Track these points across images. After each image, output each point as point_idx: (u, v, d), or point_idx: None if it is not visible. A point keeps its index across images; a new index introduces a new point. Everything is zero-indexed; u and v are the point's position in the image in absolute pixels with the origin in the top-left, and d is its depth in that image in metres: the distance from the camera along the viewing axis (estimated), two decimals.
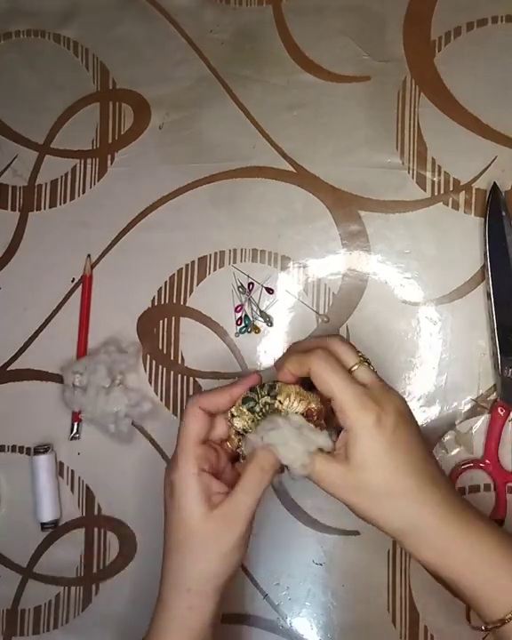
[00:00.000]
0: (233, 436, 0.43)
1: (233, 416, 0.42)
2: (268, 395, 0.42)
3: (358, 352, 0.41)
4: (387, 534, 0.39)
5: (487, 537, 0.38)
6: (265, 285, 0.55)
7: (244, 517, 0.40)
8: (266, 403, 0.42)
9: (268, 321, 0.55)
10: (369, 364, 0.41)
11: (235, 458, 0.44)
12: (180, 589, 0.41)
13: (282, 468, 0.41)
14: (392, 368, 0.53)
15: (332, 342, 0.41)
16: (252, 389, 0.42)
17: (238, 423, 0.42)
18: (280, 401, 0.41)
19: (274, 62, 0.56)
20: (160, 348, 0.56)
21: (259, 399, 0.42)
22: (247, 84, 0.56)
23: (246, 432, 0.42)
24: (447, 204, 0.54)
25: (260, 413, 0.42)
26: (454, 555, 0.38)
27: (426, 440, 0.40)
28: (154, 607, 0.42)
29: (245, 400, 0.42)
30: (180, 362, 0.56)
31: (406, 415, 0.40)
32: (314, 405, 0.41)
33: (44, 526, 0.55)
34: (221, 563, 0.40)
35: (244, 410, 0.42)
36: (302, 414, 0.41)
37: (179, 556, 0.41)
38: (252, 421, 0.42)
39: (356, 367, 0.40)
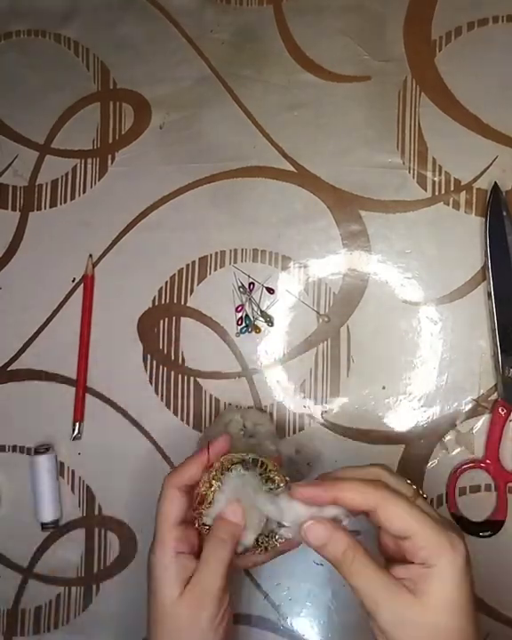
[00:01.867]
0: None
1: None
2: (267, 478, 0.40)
3: (407, 480, 0.39)
4: None
5: None
6: (265, 285, 0.55)
7: (211, 593, 0.38)
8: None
9: (269, 321, 0.55)
10: (422, 493, 0.38)
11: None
12: None
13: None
14: (393, 368, 0.53)
15: (384, 474, 0.37)
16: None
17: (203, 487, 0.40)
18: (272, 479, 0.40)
19: (274, 62, 0.56)
20: (160, 347, 0.56)
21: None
22: (248, 83, 0.56)
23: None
24: (448, 204, 0.54)
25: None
26: None
27: None
28: None
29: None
30: (180, 362, 0.56)
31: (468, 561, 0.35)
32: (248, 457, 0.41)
33: (44, 526, 0.55)
34: None
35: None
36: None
37: (158, 638, 0.40)
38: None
39: (417, 500, 0.36)
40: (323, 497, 0.36)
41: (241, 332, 0.55)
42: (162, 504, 0.40)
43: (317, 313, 0.55)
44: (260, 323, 0.55)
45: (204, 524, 0.40)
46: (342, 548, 0.36)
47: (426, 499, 0.38)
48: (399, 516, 0.35)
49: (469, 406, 0.53)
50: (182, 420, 0.55)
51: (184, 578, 0.39)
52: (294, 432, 0.54)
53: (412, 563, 0.35)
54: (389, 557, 0.38)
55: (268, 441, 0.49)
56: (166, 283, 0.56)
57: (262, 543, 0.40)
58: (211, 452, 0.41)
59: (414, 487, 0.38)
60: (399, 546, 0.36)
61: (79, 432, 0.56)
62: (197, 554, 0.40)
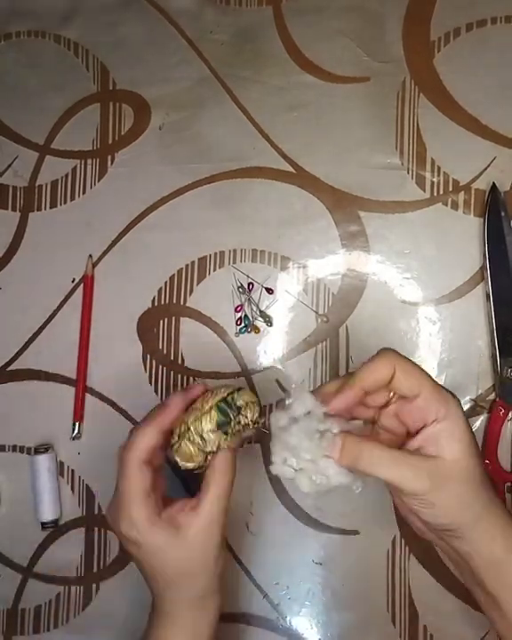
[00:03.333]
0: (195, 453, 0.41)
1: (203, 439, 0.40)
2: (239, 413, 0.41)
3: None
4: (443, 529, 0.38)
5: None
6: (265, 285, 0.55)
7: (220, 520, 0.41)
8: (239, 422, 0.41)
9: (268, 321, 0.55)
10: None
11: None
12: (190, 602, 0.42)
13: None
14: None
15: (391, 352, 0.39)
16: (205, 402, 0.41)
17: (212, 440, 0.41)
18: (245, 415, 0.41)
19: (274, 63, 0.56)
20: (160, 347, 0.56)
21: (232, 420, 0.41)
22: (247, 84, 0.57)
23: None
24: (446, 205, 0.54)
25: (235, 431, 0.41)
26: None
27: None
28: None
29: (220, 421, 0.41)
30: (180, 362, 0.56)
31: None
32: (217, 398, 0.41)
33: (44, 526, 0.55)
34: (212, 564, 0.41)
35: (212, 428, 0.40)
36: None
37: (170, 578, 0.42)
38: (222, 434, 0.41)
39: None
40: (351, 396, 0.38)
41: (240, 332, 0.55)
42: (122, 480, 0.40)
43: (316, 313, 0.55)
44: (260, 323, 0.55)
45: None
46: (357, 450, 0.37)
47: None
48: (411, 374, 0.38)
49: (468, 406, 0.53)
50: None
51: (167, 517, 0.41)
52: None
53: (423, 428, 0.37)
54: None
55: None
56: (166, 283, 0.56)
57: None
58: (169, 419, 0.41)
59: None
60: (411, 410, 0.38)
61: (79, 432, 0.56)
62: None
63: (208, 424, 0.40)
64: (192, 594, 0.42)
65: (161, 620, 0.43)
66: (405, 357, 0.38)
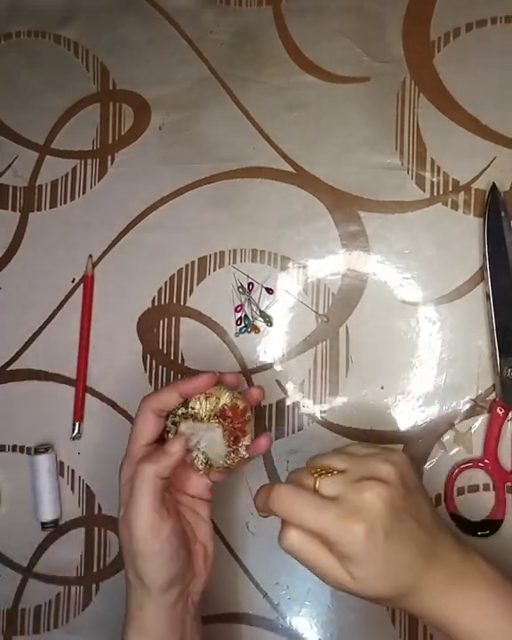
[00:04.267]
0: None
1: (173, 423, 0.44)
2: (183, 405, 0.43)
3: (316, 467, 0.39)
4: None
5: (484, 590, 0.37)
6: (265, 285, 0.55)
7: (139, 516, 0.41)
8: (182, 412, 0.43)
9: (268, 321, 0.55)
10: (323, 472, 0.38)
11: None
12: (128, 588, 0.43)
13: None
14: (391, 368, 0.53)
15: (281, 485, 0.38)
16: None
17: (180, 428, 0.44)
18: (192, 407, 0.43)
19: (274, 63, 0.56)
20: (160, 347, 0.56)
21: (176, 410, 0.43)
22: (247, 84, 0.57)
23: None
24: (446, 205, 0.54)
25: (176, 422, 0.44)
26: (453, 608, 0.37)
27: (423, 491, 0.39)
28: None
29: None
30: (180, 362, 0.56)
31: (394, 498, 0.36)
32: (227, 401, 0.43)
33: (44, 526, 0.55)
34: (144, 563, 0.41)
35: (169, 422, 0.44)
36: (217, 415, 0.43)
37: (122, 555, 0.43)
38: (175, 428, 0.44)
39: (317, 484, 0.37)
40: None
41: (240, 332, 0.55)
42: (134, 424, 0.44)
43: (316, 313, 0.55)
44: (259, 323, 0.55)
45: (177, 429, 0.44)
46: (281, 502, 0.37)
47: (329, 473, 0.38)
48: (295, 517, 0.36)
49: (468, 406, 0.53)
50: None
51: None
52: (293, 432, 0.54)
53: None
54: None
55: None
56: (166, 283, 0.56)
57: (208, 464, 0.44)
58: (190, 389, 0.43)
59: (318, 470, 0.38)
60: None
61: (79, 432, 0.56)
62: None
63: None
64: (140, 579, 0.42)
65: (128, 617, 0.43)
66: (289, 491, 0.37)
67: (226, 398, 0.43)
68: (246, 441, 0.43)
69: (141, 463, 0.41)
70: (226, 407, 0.43)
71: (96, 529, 0.56)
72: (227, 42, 0.57)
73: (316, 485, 0.37)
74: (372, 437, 0.53)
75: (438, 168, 0.54)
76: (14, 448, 0.57)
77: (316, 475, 0.37)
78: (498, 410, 0.51)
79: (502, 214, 0.52)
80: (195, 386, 0.43)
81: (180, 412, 0.43)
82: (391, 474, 0.37)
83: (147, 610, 0.42)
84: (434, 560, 0.37)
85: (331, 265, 0.55)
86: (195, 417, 0.43)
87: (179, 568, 0.42)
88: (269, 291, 0.55)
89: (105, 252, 0.57)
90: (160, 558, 0.41)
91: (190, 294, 0.56)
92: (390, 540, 0.35)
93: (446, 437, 0.53)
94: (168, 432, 0.44)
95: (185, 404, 0.43)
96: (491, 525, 0.51)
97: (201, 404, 0.43)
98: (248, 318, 0.55)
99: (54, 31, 0.59)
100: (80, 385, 0.56)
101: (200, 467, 0.44)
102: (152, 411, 0.43)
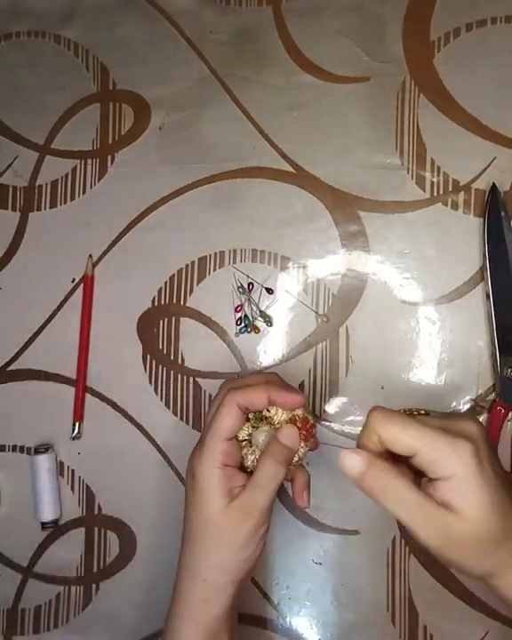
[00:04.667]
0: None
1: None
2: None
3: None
4: (468, 576, 0.37)
5: None
6: (265, 285, 0.55)
7: (257, 510, 0.41)
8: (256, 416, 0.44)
9: (268, 321, 0.55)
10: (423, 411, 0.40)
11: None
12: (195, 580, 0.42)
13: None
14: (391, 368, 0.54)
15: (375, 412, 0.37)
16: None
17: (242, 433, 0.44)
18: (268, 409, 0.43)
19: (274, 63, 0.56)
20: (160, 347, 0.56)
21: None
22: (247, 84, 0.57)
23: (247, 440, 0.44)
24: (446, 205, 0.54)
25: (255, 422, 0.44)
26: None
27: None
28: (170, 597, 0.44)
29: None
30: (180, 362, 0.56)
31: (486, 437, 0.36)
32: (299, 413, 0.44)
33: (44, 526, 0.55)
34: (236, 555, 0.41)
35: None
36: (289, 420, 0.43)
37: (196, 546, 0.42)
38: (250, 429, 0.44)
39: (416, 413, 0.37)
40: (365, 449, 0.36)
41: (240, 332, 0.55)
42: (219, 415, 0.42)
43: (316, 313, 0.55)
44: (259, 323, 0.55)
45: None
46: (384, 481, 0.35)
47: (424, 413, 0.38)
48: (395, 437, 0.35)
49: (468, 406, 0.53)
50: (182, 419, 0.55)
51: (228, 488, 0.41)
52: None
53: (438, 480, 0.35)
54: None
55: None
56: (166, 283, 0.56)
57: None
58: (283, 394, 0.42)
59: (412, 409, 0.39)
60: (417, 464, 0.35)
61: (79, 432, 0.56)
62: (240, 468, 0.43)
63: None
64: (203, 566, 0.42)
65: (173, 596, 0.43)
66: (386, 414, 0.35)
67: (300, 410, 0.44)
68: (304, 449, 0.44)
69: (269, 460, 0.41)
70: (297, 417, 0.44)
71: (96, 529, 0.56)
72: (227, 42, 0.57)
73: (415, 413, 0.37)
74: None
75: (438, 168, 0.54)
76: (14, 448, 0.57)
77: (409, 413, 0.37)
78: (498, 410, 0.51)
79: (502, 214, 0.52)
80: (292, 401, 0.42)
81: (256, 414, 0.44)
82: (480, 431, 0.36)
83: (213, 602, 0.42)
84: None
85: (331, 265, 0.55)
86: (269, 421, 0.44)
87: (254, 561, 0.43)
88: (269, 291, 0.55)
89: (105, 252, 0.57)
90: (249, 552, 0.41)
91: (190, 294, 0.56)
92: (492, 471, 0.34)
93: None
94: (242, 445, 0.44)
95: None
96: None
97: (278, 411, 0.43)
98: (248, 318, 0.55)
99: (54, 31, 0.59)
100: (80, 385, 0.56)
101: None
102: (239, 405, 0.42)
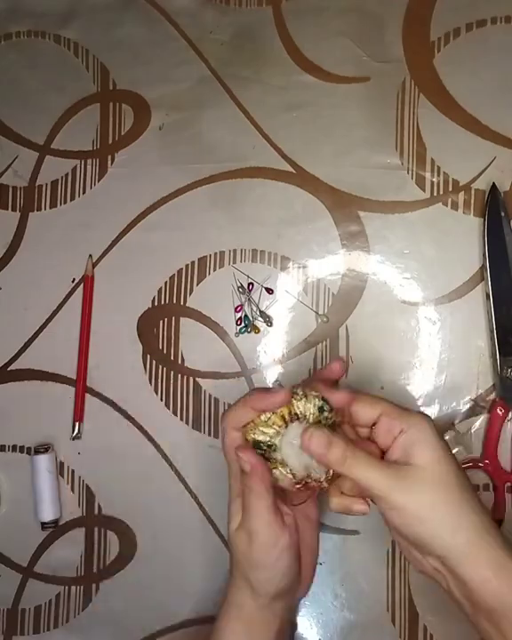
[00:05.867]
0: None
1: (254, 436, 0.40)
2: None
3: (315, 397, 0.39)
4: (428, 551, 0.37)
5: None
6: (265, 285, 0.55)
7: (255, 530, 0.40)
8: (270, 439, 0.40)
9: (268, 321, 0.55)
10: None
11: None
12: (232, 604, 0.43)
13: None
14: (391, 368, 0.54)
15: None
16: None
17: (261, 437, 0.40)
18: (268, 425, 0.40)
19: (273, 63, 0.56)
20: (160, 348, 0.56)
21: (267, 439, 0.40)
22: (247, 84, 0.57)
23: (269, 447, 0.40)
24: (446, 205, 0.54)
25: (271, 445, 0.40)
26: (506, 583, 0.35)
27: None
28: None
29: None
30: (180, 362, 0.56)
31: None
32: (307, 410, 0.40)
33: (44, 526, 0.55)
34: (256, 575, 0.42)
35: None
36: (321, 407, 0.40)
37: (230, 568, 0.44)
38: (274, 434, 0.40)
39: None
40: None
41: (240, 332, 0.55)
42: (225, 444, 0.41)
43: (316, 313, 0.55)
44: (259, 323, 0.55)
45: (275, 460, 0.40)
46: (341, 449, 0.37)
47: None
48: (365, 404, 0.39)
49: (468, 406, 0.53)
50: (182, 419, 0.55)
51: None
52: None
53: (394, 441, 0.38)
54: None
55: None
56: (166, 283, 0.56)
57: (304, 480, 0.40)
58: (265, 405, 0.40)
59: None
60: (380, 432, 0.39)
61: (79, 432, 0.56)
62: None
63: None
64: (250, 585, 0.42)
65: (226, 608, 0.44)
66: (358, 392, 0.40)
67: (306, 407, 0.40)
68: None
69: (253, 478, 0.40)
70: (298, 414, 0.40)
71: (96, 529, 0.56)
72: (227, 42, 0.57)
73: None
74: None
75: (438, 168, 0.54)
76: (14, 448, 0.57)
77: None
78: (498, 410, 0.51)
79: (502, 214, 0.52)
80: (271, 401, 0.40)
81: (269, 439, 0.40)
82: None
83: (247, 611, 0.43)
84: (488, 522, 0.37)
85: (331, 265, 0.55)
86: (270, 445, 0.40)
87: (290, 581, 0.42)
88: (269, 291, 0.55)
89: (105, 252, 0.57)
90: (274, 570, 0.41)
91: (190, 294, 0.56)
92: (445, 442, 0.38)
93: (446, 437, 0.53)
94: (267, 459, 0.40)
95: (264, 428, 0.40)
96: None
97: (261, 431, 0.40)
98: (248, 318, 0.55)
99: (54, 31, 0.59)
100: (80, 385, 0.56)
101: (324, 482, 0.40)
102: (234, 428, 0.41)
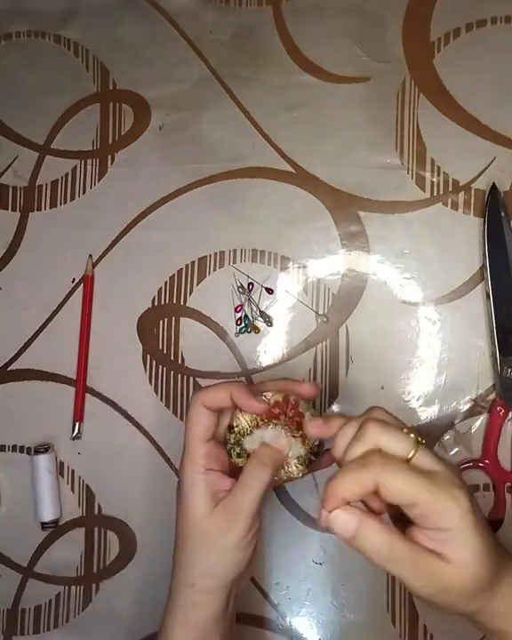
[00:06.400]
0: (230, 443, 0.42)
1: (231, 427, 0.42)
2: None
3: (404, 428, 0.36)
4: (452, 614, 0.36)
5: None
6: (265, 285, 0.55)
7: (244, 514, 0.39)
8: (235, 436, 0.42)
9: (268, 321, 0.55)
10: (421, 439, 0.36)
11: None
12: (185, 585, 0.41)
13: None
14: (391, 368, 0.54)
15: (375, 430, 0.35)
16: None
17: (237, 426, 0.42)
18: (236, 425, 0.42)
19: (273, 63, 0.56)
20: (160, 348, 0.56)
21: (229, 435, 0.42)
22: (247, 84, 0.57)
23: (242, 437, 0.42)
24: (446, 205, 0.54)
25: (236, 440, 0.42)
26: None
27: None
28: (165, 602, 0.43)
29: None
30: (180, 362, 0.56)
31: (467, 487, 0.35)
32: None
33: (44, 526, 0.55)
34: (223, 560, 0.40)
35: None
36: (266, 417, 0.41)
37: (184, 551, 0.41)
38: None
39: (412, 454, 0.34)
40: (336, 499, 0.35)
41: (240, 332, 0.55)
42: (191, 419, 0.41)
43: (316, 313, 0.55)
44: (259, 323, 0.55)
45: (243, 450, 0.41)
46: (387, 549, 0.34)
47: (423, 442, 0.35)
48: (398, 489, 0.33)
49: (468, 406, 0.53)
50: (182, 419, 0.55)
51: (213, 493, 0.40)
52: None
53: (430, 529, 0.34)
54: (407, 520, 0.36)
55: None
56: (166, 283, 0.56)
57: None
58: (246, 406, 0.41)
59: (412, 435, 0.35)
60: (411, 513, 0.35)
61: (79, 432, 0.56)
62: (228, 473, 0.42)
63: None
64: (191, 572, 0.41)
65: (167, 600, 0.42)
66: (388, 463, 0.34)
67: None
68: (303, 449, 0.41)
69: (254, 461, 0.40)
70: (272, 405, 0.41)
71: (96, 529, 0.56)
72: (227, 42, 0.57)
73: (411, 454, 0.34)
74: None
75: (438, 168, 0.54)
76: (14, 448, 0.57)
77: (413, 438, 0.35)
78: (498, 410, 0.51)
79: (502, 214, 0.52)
80: (251, 408, 0.40)
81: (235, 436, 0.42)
82: (461, 476, 0.36)
83: (203, 606, 0.41)
84: (507, 559, 0.36)
85: (331, 265, 0.55)
86: (242, 432, 0.41)
87: (245, 565, 0.41)
88: (269, 291, 0.55)
89: (105, 252, 0.57)
90: (244, 553, 0.40)
91: (190, 294, 0.56)
92: (482, 519, 0.34)
93: (446, 437, 0.53)
94: (231, 456, 0.42)
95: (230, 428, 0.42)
96: (491, 525, 0.50)
97: (242, 418, 0.41)
98: (248, 318, 0.55)
99: (54, 31, 0.59)
100: (80, 385, 0.56)
101: (297, 473, 0.41)
102: (204, 404, 0.41)
